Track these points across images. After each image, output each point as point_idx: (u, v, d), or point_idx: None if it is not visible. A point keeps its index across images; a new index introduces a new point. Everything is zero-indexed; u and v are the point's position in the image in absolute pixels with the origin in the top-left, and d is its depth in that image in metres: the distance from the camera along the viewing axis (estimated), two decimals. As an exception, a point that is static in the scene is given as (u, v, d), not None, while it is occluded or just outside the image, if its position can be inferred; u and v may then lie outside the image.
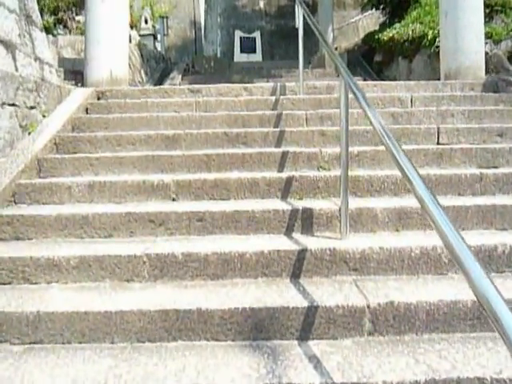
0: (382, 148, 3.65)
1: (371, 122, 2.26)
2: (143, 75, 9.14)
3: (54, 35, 6.85)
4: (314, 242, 2.56)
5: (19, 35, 3.62)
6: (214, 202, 3.06)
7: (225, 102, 4.43)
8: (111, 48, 5.27)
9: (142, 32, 11.98)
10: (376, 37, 9.96)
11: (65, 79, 5.91)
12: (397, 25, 9.36)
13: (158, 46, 13.21)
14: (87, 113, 4.33)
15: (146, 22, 11.92)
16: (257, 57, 15.38)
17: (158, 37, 13.25)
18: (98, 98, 4.64)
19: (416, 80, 8.48)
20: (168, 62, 11.86)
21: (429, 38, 7.63)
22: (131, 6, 13.39)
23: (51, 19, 7.64)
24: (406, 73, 8.92)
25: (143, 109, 4.33)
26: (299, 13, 4.73)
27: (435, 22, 7.72)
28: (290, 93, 4.87)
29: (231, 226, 2.76)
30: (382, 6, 10.39)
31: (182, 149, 3.75)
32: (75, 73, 5.88)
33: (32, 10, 3.93)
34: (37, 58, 3.95)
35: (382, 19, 11.49)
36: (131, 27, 12.78)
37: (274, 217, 2.77)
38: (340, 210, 2.69)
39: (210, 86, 4.83)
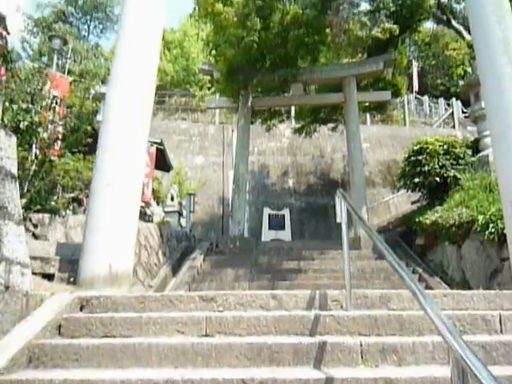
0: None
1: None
2: (161, 257, 8.31)
3: (62, 216, 6.21)
4: None
5: (-23, 235, 2.73)
6: None
7: (246, 320, 3.24)
8: (113, 237, 4.41)
9: (166, 209, 11.70)
10: (416, 219, 9.46)
11: (60, 270, 4.99)
12: (438, 208, 8.96)
13: (183, 222, 12.80)
14: (59, 333, 3.16)
15: (172, 199, 11.70)
16: (286, 234, 14.75)
17: (184, 213, 12.92)
18: (81, 308, 3.52)
19: (470, 269, 7.52)
20: (192, 239, 11.21)
21: (480, 223, 6.92)
22: (160, 183, 13.52)
23: (66, 197, 7.18)
24: (455, 259, 8.14)
25: (135, 328, 3.14)
26: (342, 207, 3.81)
27: (484, 207, 7.25)
28: (334, 304, 3.67)
29: None
30: (417, 189, 10.10)
31: (176, 407, 2.45)
32: (73, 263, 4.93)
33: (9, 200, 3.13)
34: (3, 259, 3.00)
35: (413, 198, 11.34)
36: (157, 203, 12.65)
37: None
38: None
39: (227, 292, 3.71)
